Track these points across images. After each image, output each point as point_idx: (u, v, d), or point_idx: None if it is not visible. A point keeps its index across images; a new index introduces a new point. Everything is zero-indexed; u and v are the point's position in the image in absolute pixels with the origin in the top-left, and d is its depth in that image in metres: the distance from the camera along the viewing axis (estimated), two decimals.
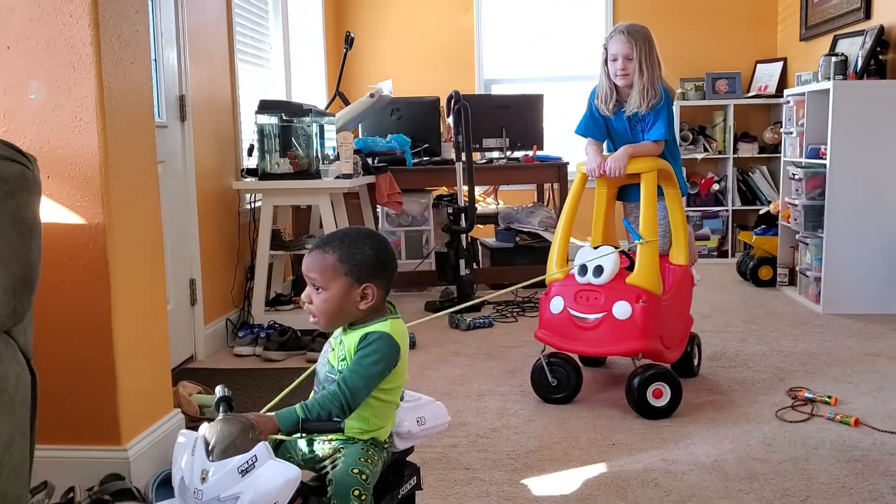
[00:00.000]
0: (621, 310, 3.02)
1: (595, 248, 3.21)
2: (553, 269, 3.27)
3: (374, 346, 1.67)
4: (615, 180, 3.32)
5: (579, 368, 3.25)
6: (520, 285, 3.27)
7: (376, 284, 1.71)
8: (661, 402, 3.00)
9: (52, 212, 2.30)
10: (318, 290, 1.71)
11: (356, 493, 1.60)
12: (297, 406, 1.63)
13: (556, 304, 3.17)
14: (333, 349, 1.76)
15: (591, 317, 3.08)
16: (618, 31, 3.31)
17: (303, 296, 1.76)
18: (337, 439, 1.73)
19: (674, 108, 3.43)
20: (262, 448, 1.52)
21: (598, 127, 3.43)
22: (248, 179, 4.44)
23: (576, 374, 3.22)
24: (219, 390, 1.69)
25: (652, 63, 3.28)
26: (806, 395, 3.15)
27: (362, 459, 1.66)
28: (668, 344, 3.17)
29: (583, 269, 3.15)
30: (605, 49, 3.34)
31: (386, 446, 1.77)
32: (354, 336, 1.71)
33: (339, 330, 1.77)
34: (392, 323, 1.73)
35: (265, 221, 4.29)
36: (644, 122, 3.33)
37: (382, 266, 1.73)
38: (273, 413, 1.63)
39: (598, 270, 3.11)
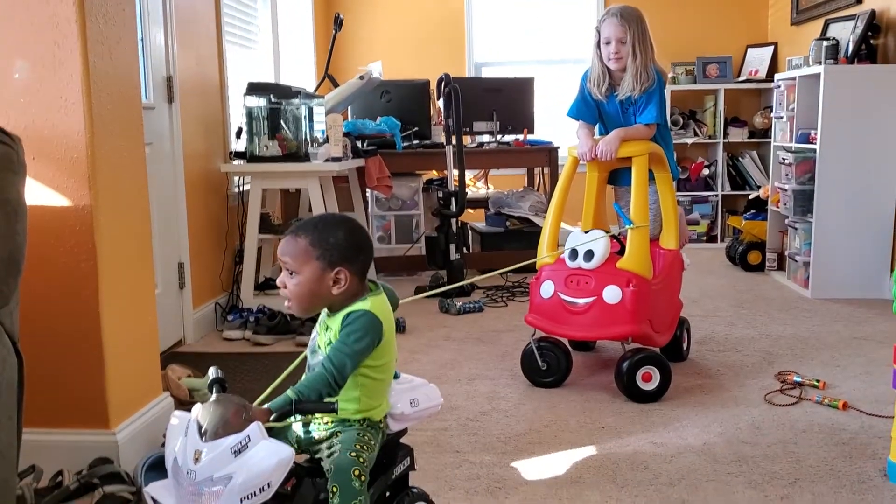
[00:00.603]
0: (612, 294, 3.01)
1: (586, 232, 3.21)
2: (543, 254, 3.26)
3: (357, 324, 1.67)
4: (606, 164, 3.31)
5: (569, 352, 3.25)
6: (510, 268, 3.26)
7: (348, 269, 1.70)
8: (651, 386, 3.01)
9: (37, 193, 2.27)
10: (291, 274, 1.71)
11: (356, 472, 1.61)
12: (289, 391, 1.63)
13: (547, 289, 3.17)
14: (320, 334, 1.76)
15: (582, 301, 3.07)
16: (611, 14, 3.27)
17: (278, 280, 1.76)
18: (333, 421, 1.73)
19: (665, 92, 3.42)
20: (256, 428, 1.51)
21: (589, 110, 3.40)
22: (236, 162, 4.41)
23: (566, 358, 3.22)
24: (211, 372, 1.68)
25: (645, 46, 3.25)
26: (794, 378, 3.17)
27: (358, 445, 1.66)
28: (657, 328, 3.17)
29: (573, 254, 3.14)
30: (598, 32, 3.30)
31: (381, 426, 1.77)
32: (338, 318, 1.71)
33: (324, 314, 1.77)
34: (373, 300, 1.72)
35: (254, 205, 4.26)
36: (636, 106, 3.30)
37: (355, 250, 1.72)
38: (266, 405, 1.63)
39: (589, 255, 3.10)
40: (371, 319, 1.68)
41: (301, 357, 1.86)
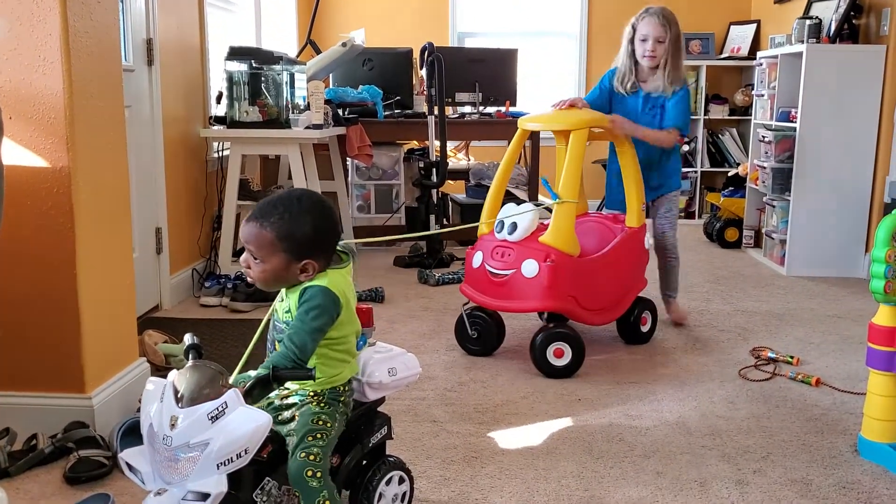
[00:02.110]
0: (529, 268, 3.00)
1: (519, 204, 3.20)
2: (483, 225, 3.28)
3: (314, 301, 1.65)
4: (576, 137, 3.18)
5: (501, 322, 3.29)
6: (426, 234, 3.26)
7: (316, 259, 1.68)
8: (562, 362, 3.00)
9: (14, 154, 2.23)
10: (255, 259, 1.69)
11: (309, 473, 1.61)
12: (260, 368, 1.63)
13: (476, 259, 3.18)
14: (282, 300, 1.75)
15: (504, 273, 3.06)
16: (651, 13, 3.33)
17: (241, 259, 1.72)
18: (294, 393, 1.73)
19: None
20: (233, 394, 1.51)
21: (602, 101, 3.46)
22: (216, 127, 4.36)
23: (496, 327, 3.26)
24: (187, 338, 1.67)
25: (680, 49, 3.37)
26: (769, 354, 3.21)
27: (309, 437, 1.65)
28: (588, 305, 3.13)
29: (501, 225, 3.15)
30: (633, 28, 3.36)
31: (346, 392, 1.77)
32: (296, 292, 1.70)
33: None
34: (331, 276, 1.70)
35: (233, 171, 4.22)
36: (658, 107, 3.39)
37: (323, 241, 1.69)
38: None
39: (514, 227, 3.10)
40: (327, 295, 1.66)
41: (266, 318, 1.84)
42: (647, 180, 3.46)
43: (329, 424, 1.70)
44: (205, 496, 1.46)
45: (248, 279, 1.74)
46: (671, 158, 3.54)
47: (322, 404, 1.72)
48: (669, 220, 3.57)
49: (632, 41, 3.38)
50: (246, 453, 1.50)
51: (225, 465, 1.48)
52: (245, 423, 1.49)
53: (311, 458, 1.62)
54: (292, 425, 1.70)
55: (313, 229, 1.67)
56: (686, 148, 6.63)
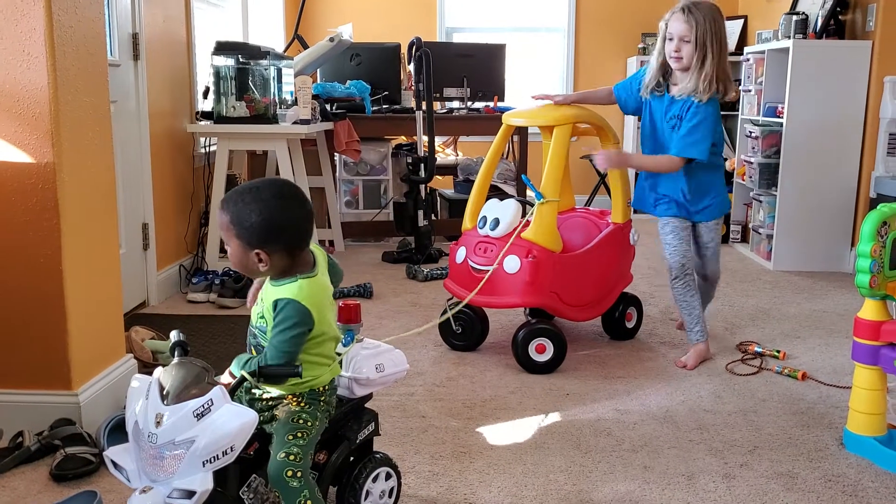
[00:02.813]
0: (511, 264, 2.99)
1: (502, 200, 3.21)
2: (467, 220, 3.28)
3: (284, 313, 1.64)
4: (559, 132, 3.13)
5: (485, 318, 3.29)
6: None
7: (268, 251, 1.66)
8: (544, 358, 3.01)
9: None
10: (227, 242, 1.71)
11: (289, 473, 1.60)
12: (242, 371, 1.62)
13: (460, 255, 3.18)
14: (260, 300, 1.74)
15: (486, 268, 3.06)
16: (678, 9, 2.98)
17: None
18: (279, 392, 1.72)
19: (711, 110, 3.04)
20: (219, 392, 1.50)
21: (627, 95, 3.23)
22: (202, 123, 4.34)
23: (480, 323, 3.26)
24: (174, 335, 1.67)
25: (712, 48, 2.93)
26: (755, 349, 3.22)
27: (289, 437, 1.65)
28: (570, 301, 3.13)
29: (484, 221, 3.15)
30: (665, 25, 3.03)
31: (326, 392, 1.76)
32: (271, 295, 1.69)
33: (267, 282, 1.76)
34: (302, 284, 1.68)
35: (220, 166, 4.20)
36: (677, 118, 3.02)
37: (275, 233, 1.66)
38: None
39: (496, 223, 3.10)
40: (297, 309, 1.64)
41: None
42: (672, 194, 3.14)
43: (310, 423, 1.69)
44: (190, 494, 1.46)
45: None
46: (703, 175, 3.12)
47: (302, 404, 1.72)
48: (713, 249, 3.24)
49: (664, 40, 3.03)
50: (232, 451, 1.49)
51: (211, 462, 1.48)
52: (231, 421, 1.48)
53: (291, 458, 1.61)
54: (275, 424, 1.70)
55: (261, 219, 1.64)
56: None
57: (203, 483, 1.47)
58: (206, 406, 1.49)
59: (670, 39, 2.99)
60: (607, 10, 6.81)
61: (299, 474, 1.61)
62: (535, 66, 6.97)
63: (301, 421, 1.68)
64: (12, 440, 2.28)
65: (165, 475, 1.48)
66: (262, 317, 1.71)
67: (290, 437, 1.65)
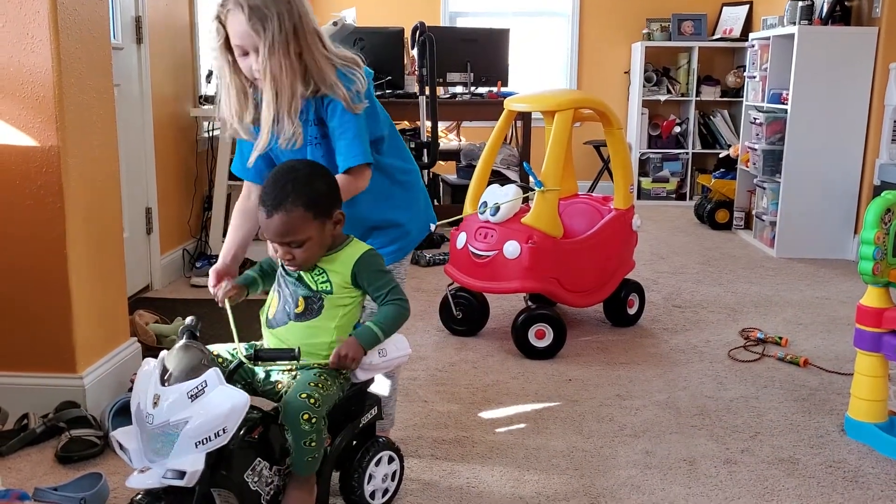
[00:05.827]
0: (511, 249, 3.00)
1: (503, 185, 3.21)
2: (468, 205, 3.29)
3: (376, 261, 1.81)
4: (560, 118, 3.10)
5: (486, 303, 3.30)
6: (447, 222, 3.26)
7: (339, 206, 1.77)
8: (544, 343, 3.02)
9: (2, 133, 2.22)
10: (296, 245, 1.71)
11: (305, 416, 1.62)
12: (374, 327, 1.74)
13: (460, 240, 3.18)
14: (309, 277, 1.78)
15: (486, 254, 3.07)
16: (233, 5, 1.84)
17: (279, 256, 1.75)
18: (298, 367, 1.74)
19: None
20: (213, 374, 1.52)
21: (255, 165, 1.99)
22: (206, 106, 4.33)
23: (480, 308, 3.27)
24: (189, 320, 1.69)
25: (293, 43, 1.94)
26: (758, 335, 3.23)
27: (312, 384, 1.67)
28: (571, 287, 3.14)
29: (485, 206, 3.15)
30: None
31: (343, 371, 1.78)
32: (337, 262, 1.77)
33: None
34: (354, 239, 1.83)
35: (224, 150, 4.20)
36: (317, 132, 1.91)
37: (334, 186, 1.77)
38: (352, 335, 1.74)
39: (497, 208, 3.10)
40: (376, 252, 1.83)
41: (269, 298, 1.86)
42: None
43: (330, 383, 1.72)
44: (182, 474, 1.47)
45: (291, 269, 1.78)
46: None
47: (322, 371, 1.74)
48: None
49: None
50: (224, 432, 1.50)
51: (203, 443, 1.49)
52: (223, 403, 1.50)
53: (312, 401, 1.64)
54: (298, 377, 1.73)
55: (324, 183, 1.75)
56: (677, 129, 6.62)
57: (194, 463, 1.48)
58: (199, 388, 1.51)
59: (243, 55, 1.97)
60: None
61: (314, 420, 1.63)
62: (539, 51, 6.95)
63: (323, 378, 1.71)
64: (18, 422, 2.29)
65: (161, 456, 1.50)
66: (327, 282, 1.77)
67: (313, 384, 1.67)
